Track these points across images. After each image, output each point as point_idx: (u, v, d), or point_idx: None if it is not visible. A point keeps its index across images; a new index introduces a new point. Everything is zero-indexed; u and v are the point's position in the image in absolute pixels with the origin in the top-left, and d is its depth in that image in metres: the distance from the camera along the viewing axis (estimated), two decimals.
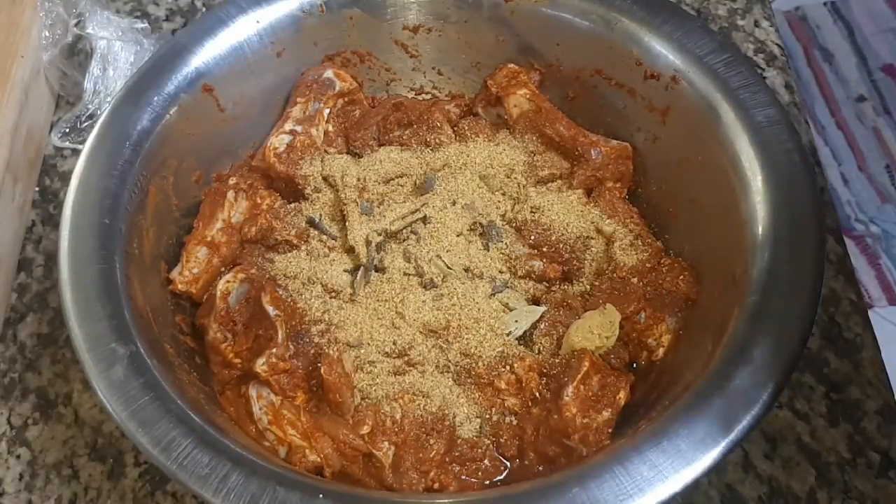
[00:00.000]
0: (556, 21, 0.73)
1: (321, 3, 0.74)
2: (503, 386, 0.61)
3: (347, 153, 0.75)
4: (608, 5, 0.71)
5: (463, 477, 0.60)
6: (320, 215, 0.71)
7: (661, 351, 0.64)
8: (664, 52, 0.68)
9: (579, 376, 0.59)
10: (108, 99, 0.82)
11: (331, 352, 0.61)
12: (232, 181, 0.73)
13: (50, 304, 0.77)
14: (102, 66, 0.85)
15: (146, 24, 0.90)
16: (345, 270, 0.68)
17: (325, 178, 0.72)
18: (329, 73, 0.76)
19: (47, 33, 0.85)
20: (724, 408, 0.52)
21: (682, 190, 0.69)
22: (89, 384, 0.53)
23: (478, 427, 0.62)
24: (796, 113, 0.87)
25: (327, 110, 0.76)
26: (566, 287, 0.68)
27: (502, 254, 0.69)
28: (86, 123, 0.85)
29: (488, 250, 0.69)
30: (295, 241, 0.70)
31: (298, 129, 0.74)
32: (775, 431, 0.68)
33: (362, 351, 0.63)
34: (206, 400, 0.60)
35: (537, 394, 0.61)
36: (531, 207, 0.70)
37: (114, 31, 0.85)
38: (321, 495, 0.49)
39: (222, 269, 0.69)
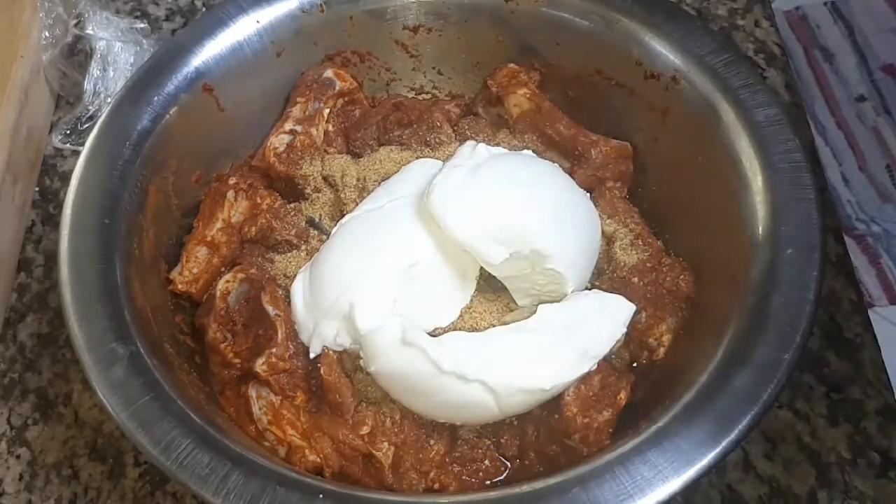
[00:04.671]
0: (556, 21, 0.73)
1: (321, 2, 0.74)
2: None
3: (347, 153, 0.75)
4: (608, 5, 0.71)
5: (463, 477, 0.60)
6: (320, 215, 0.71)
7: (661, 351, 0.64)
8: (664, 52, 0.68)
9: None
10: (108, 99, 0.82)
11: (330, 352, 0.61)
12: (232, 181, 0.73)
13: (50, 304, 0.77)
14: (102, 67, 0.85)
15: (146, 25, 0.90)
16: None
17: (325, 178, 0.72)
18: (329, 73, 0.76)
19: (47, 34, 0.85)
20: (724, 408, 0.52)
21: (682, 190, 0.69)
22: (89, 384, 0.54)
23: (478, 427, 0.62)
24: (796, 113, 0.87)
25: (327, 110, 0.76)
26: None
27: None
28: (86, 125, 0.85)
29: None
30: (295, 241, 0.70)
31: (298, 128, 0.74)
32: (775, 431, 0.68)
33: None
34: (206, 400, 0.60)
35: None
36: None
37: (113, 32, 0.85)
38: (321, 495, 0.49)
39: (222, 269, 0.69)
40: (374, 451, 0.59)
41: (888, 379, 0.72)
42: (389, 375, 0.59)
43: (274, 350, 0.61)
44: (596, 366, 0.59)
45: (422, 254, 0.62)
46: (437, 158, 0.72)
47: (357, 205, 0.69)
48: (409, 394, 0.59)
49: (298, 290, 0.64)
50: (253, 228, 0.70)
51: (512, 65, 0.76)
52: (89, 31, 0.85)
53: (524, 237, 0.60)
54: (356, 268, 0.62)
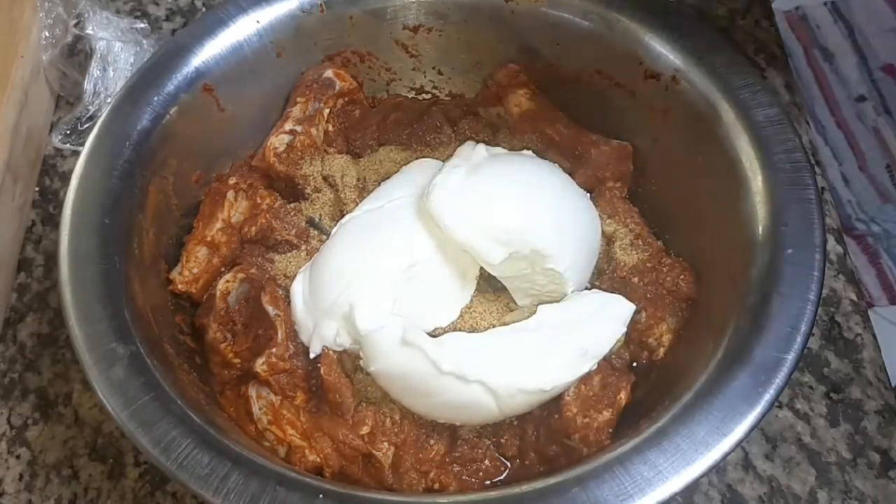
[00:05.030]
0: (556, 21, 0.73)
1: (321, 2, 0.74)
2: None
3: (347, 153, 0.75)
4: (608, 5, 0.71)
5: (463, 477, 0.60)
6: (320, 215, 0.71)
7: (661, 351, 0.64)
8: (664, 52, 0.68)
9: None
10: (108, 99, 0.82)
11: (330, 352, 0.61)
12: (232, 181, 0.73)
13: (50, 304, 0.77)
14: (102, 67, 0.85)
15: (146, 25, 0.90)
16: None
17: (325, 178, 0.72)
18: (329, 73, 0.76)
19: (47, 34, 0.85)
20: (724, 408, 0.52)
21: (682, 190, 0.69)
22: (89, 384, 0.53)
23: (478, 427, 0.62)
24: (796, 113, 0.87)
25: (327, 110, 0.76)
26: None
27: None
28: (86, 125, 0.85)
29: None
30: (295, 241, 0.70)
31: (298, 128, 0.74)
32: (775, 431, 0.68)
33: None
34: (206, 400, 0.60)
35: None
36: None
37: (113, 32, 0.85)
38: (321, 495, 0.49)
39: (222, 269, 0.69)
40: (373, 451, 0.59)
41: (888, 379, 0.72)
42: (389, 376, 0.59)
43: (274, 350, 0.61)
44: (596, 366, 0.59)
45: (422, 254, 0.62)
46: (437, 158, 0.72)
47: (357, 205, 0.69)
48: (409, 394, 0.59)
49: (298, 290, 0.64)
50: (253, 228, 0.70)
51: (512, 65, 0.76)
52: (89, 31, 0.85)
53: (524, 237, 0.60)
54: (356, 268, 0.62)
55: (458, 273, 0.63)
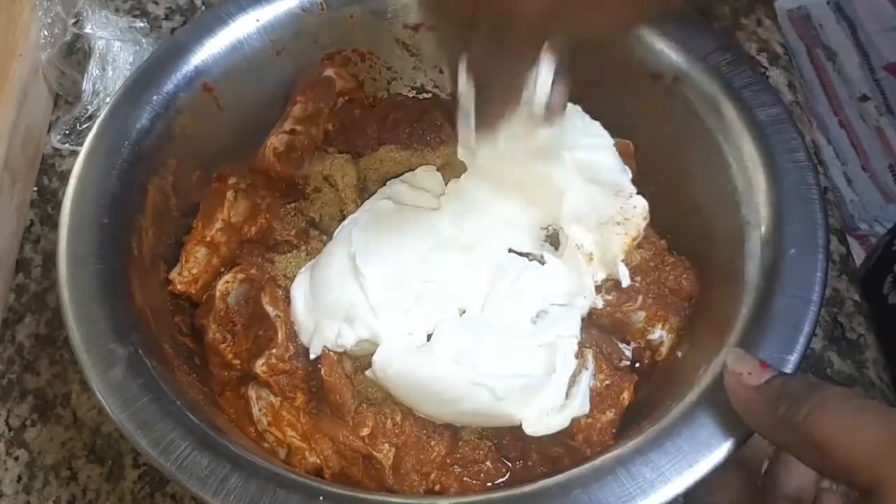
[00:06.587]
0: None
1: (321, 1, 0.73)
2: None
3: (347, 153, 0.75)
4: None
5: (464, 479, 0.60)
6: (320, 215, 0.71)
7: (664, 350, 0.64)
8: (666, 51, 0.68)
9: None
10: (107, 99, 0.82)
11: (331, 353, 0.61)
12: (232, 181, 0.72)
13: (48, 304, 0.77)
14: (101, 66, 0.84)
15: (145, 24, 0.89)
16: None
17: (325, 178, 0.72)
18: (329, 72, 0.75)
19: (46, 32, 0.85)
20: (727, 409, 0.51)
21: (684, 190, 0.69)
22: (88, 385, 0.53)
23: (480, 428, 0.61)
24: (799, 112, 0.86)
25: (327, 110, 0.75)
26: None
27: None
28: (85, 125, 0.85)
29: None
30: (295, 241, 0.69)
31: (298, 128, 0.73)
32: None
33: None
34: (206, 401, 0.60)
35: None
36: None
37: (112, 31, 0.84)
38: (321, 497, 0.49)
39: (222, 269, 0.69)
40: (374, 453, 0.59)
41: (891, 379, 0.72)
42: (409, 381, 0.57)
43: (274, 351, 0.61)
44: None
45: (433, 255, 0.61)
46: (437, 158, 0.72)
47: (357, 205, 0.69)
48: (431, 401, 0.58)
49: (299, 290, 0.63)
50: (253, 228, 0.70)
51: None
52: (88, 29, 0.85)
53: None
54: (359, 267, 0.61)
55: (469, 276, 0.62)
